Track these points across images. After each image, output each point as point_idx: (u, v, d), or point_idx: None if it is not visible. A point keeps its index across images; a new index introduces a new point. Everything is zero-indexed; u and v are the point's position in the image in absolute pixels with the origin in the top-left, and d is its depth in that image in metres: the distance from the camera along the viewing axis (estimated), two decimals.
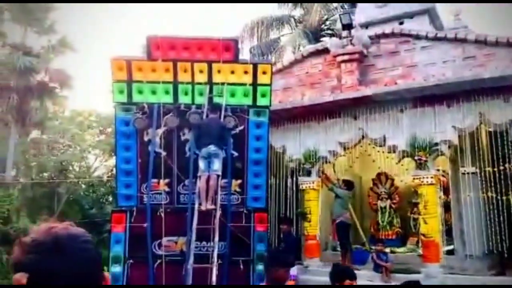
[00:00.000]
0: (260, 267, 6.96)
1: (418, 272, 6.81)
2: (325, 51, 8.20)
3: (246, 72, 6.91)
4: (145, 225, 6.85)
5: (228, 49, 6.81)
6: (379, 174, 10.92)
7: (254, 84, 6.93)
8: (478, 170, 7.18)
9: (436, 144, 6.82)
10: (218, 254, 6.87)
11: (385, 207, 10.94)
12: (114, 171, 34.23)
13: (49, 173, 27.28)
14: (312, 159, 7.90)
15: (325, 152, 7.86)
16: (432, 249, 6.75)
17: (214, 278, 5.82)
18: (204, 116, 6.62)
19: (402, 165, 7.56)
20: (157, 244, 6.92)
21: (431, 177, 6.89)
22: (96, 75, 52.00)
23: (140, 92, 6.91)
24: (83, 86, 42.79)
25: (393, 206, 10.80)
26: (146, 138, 7.01)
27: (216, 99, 6.86)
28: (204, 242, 6.98)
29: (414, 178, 7.09)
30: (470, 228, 7.27)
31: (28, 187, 24.45)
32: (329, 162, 8.03)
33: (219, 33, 17.25)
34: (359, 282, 6.95)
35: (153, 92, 6.92)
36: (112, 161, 35.31)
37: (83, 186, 30.20)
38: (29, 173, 24.93)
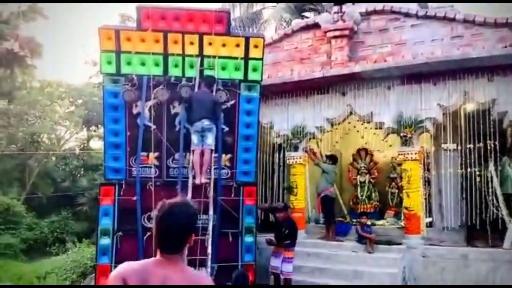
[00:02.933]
0: (248, 239, 7.17)
1: (400, 243, 7.16)
2: (315, 26, 8.23)
3: (237, 46, 6.88)
4: (134, 198, 6.87)
5: (220, 21, 6.74)
6: (359, 150, 11.26)
7: (246, 58, 6.92)
8: (459, 147, 7.49)
9: (421, 121, 7.06)
10: (204, 227, 7.03)
11: (364, 182, 11.34)
12: (86, 144, 33.46)
13: (19, 145, 26.54)
14: (300, 135, 8.02)
15: (313, 128, 7.99)
16: (414, 221, 7.09)
17: (209, 250, 5.93)
18: (196, 89, 6.58)
19: (386, 141, 7.79)
20: (146, 217, 6.97)
21: (415, 153, 7.16)
22: (66, 44, 50.08)
23: (129, 63, 6.78)
24: (52, 55, 41.10)
25: (371, 181, 11.21)
26: (135, 111, 6.94)
27: (207, 72, 6.81)
28: None
29: (399, 154, 7.35)
30: (448, 202, 7.64)
31: None
32: (316, 138, 8.18)
33: (200, 5, 16.98)
34: (344, 252, 7.31)
35: (142, 64, 6.81)
36: (84, 134, 34.68)
37: (54, 159, 29.60)
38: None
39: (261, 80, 7.03)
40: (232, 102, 6.98)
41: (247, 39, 6.87)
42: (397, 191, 10.91)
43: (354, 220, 8.45)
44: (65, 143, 33.59)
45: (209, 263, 5.95)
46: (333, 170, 8.25)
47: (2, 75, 19.95)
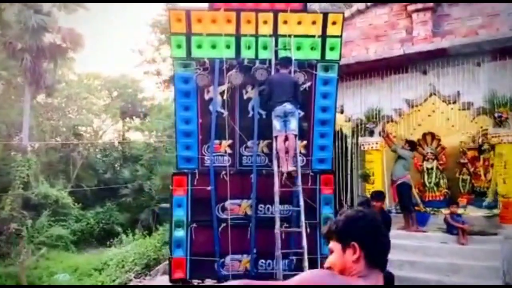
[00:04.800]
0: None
1: (494, 234, 6.68)
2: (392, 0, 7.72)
3: (314, 23, 6.50)
4: (209, 188, 6.68)
5: None
6: (424, 135, 10.69)
7: (323, 36, 6.53)
8: None
9: None
10: (284, 217, 6.77)
11: (431, 168, 10.78)
12: (123, 135, 33.94)
13: (62, 137, 27.17)
14: (375, 118, 7.59)
15: (390, 110, 7.54)
16: (510, 209, 6.57)
17: (304, 243, 5.65)
18: (273, 72, 6.26)
19: (476, 123, 7.26)
20: (220, 207, 6.79)
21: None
22: (101, 36, 50.84)
23: (200, 46, 6.53)
24: (91, 46, 41.65)
25: (439, 167, 10.66)
26: (207, 97, 6.70)
27: (282, 53, 6.48)
28: (268, 205, 6.86)
29: (492, 136, 6.82)
30: None
31: (43, 151, 24.38)
32: (394, 121, 7.73)
33: None
34: (432, 244, 6.89)
35: (213, 46, 6.54)
36: (120, 126, 35.21)
37: (94, 150, 30.25)
38: (43, 138, 24.77)
39: (340, 60, 6.63)
40: (308, 84, 6.63)
41: (325, 16, 6.47)
42: (468, 177, 10.39)
43: (437, 209, 7.98)
44: (104, 135, 34.30)
45: (305, 256, 5.67)
46: (410, 156, 7.79)
47: (45, 68, 20.23)
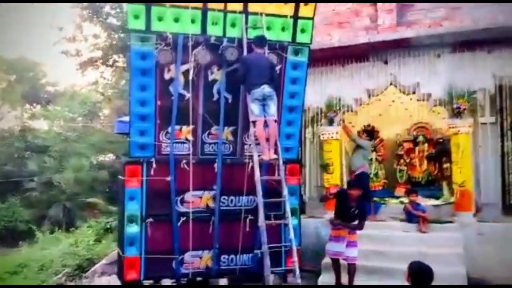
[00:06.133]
0: (292, 221, 6.60)
1: (450, 222, 6.96)
2: None
3: (286, 2, 6.14)
4: (168, 178, 6.05)
5: None
6: (365, 126, 11.01)
7: (295, 17, 6.21)
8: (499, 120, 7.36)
9: (475, 92, 6.80)
10: (248, 209, 6.41)
11: (370, 159, 11.18)
12: (25, 123, 30.92)
13: None
14: (336, 107, 7.50)
15: (350, 99, 7.49)
16: (466, 198, 6.90)
17: (292, 234, 5.32)
18: (245, 51, 5.79)
19: (437, 112, 7.48)
20: (179, 200, 6.20)
21: (468, 126, 6.92)
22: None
23: (160, 18, 5.81)
24: None
25: (378, 158, 11.05)
26: (167, 76, 6.01)
27: (252, 32, 6.03)
28: (232, 197, 6.43)
29: (450, 127, 7.07)
30: (486, 177, 7.51)
31: None
32: (353, 111, 7.71)
33: None
34: (396, 233, 7.00)
35: (176, 20, 5.87)
36: (19, 112, 31.93)
37: None
38: None
39: (311, 43, 6.37)
40: (279, 67, 6.27)
41: None
42: (405, 168, 10.92)
43: (400, 198, 8.14)
44: (1, 122, 30.91)
45: (294, 247, 5.34)
46: (369, 146, 7.85)
47: None
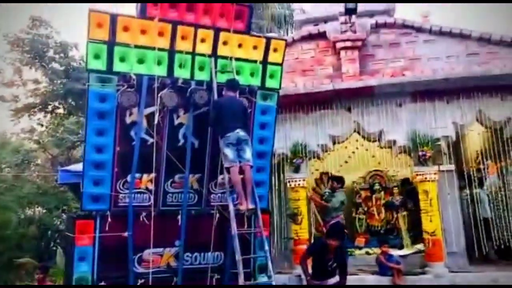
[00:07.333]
0: (261, 279, 6.10)
1: (422, 273, 6.81)
2: (319, 36, 7.75)
3: (255, 48, 6.03)
4: (125, 234, 5.42)
5: (241, 16, 5.85)
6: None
7: (264, 63, 6.09)
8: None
9: (438, 139, 6.95)
10: (214, 267, 5.90)
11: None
12: None
13: None
14: (301, 153, 7.34)
15: (315, 146, 7.38)
16: (437, 247, 6.83)
17: None
18: (215, 95, 5.51)
19: (399, 159, 7.53)
20: (137, 259, 5.56)
21: (434, 173, 6.99)
22: None
23: (123, 59, 5.43)
24: None
25: None
26: (129, 120, 5.55)
27: (219, 76, 5.80)
28: (196, 254, 5.88)
29: (416, 174, 7.10)
30: (450, 225, 7.55)
31: None
32: (319, 158, 7.58)
33: None
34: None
35: (141, 61, 5.52)
36: None
37: None
38: None
39: (280, 89, 6.24)
40: (249, 111, 6.04)
41: (268, 41, 6.07)
42: (364, 216, 10.84)
43: (362, 248, 7.91)
44: None
45: None
46: (342, 198, 7.66)
47: None
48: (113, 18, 5.26)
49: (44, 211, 22.73)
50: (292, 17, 15.36)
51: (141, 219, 5.57)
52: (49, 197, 19.88)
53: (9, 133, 26.21)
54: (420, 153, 6.91)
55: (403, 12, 9.31)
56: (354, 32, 7.37)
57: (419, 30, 7.53)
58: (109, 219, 5.43)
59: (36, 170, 23.73)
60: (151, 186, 5.72)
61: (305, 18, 8.69)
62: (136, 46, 5.42)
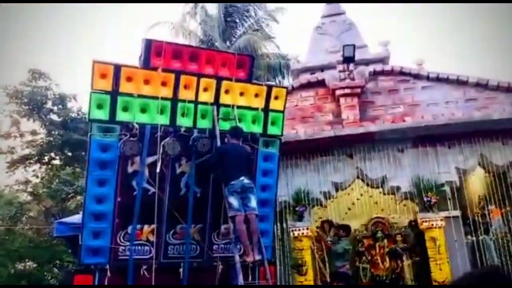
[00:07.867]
0: None
1: None
2: (317, 83, 7.88)
3: (257, 95, 6.11)
4: None
5: (242, 65, 5.96)
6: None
7: (266, 110, 6.14)
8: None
9: (442, 185, 6.89)
10: None
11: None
12: None
13: None
14: (304, 201, 7.22)
15: (318, 193, 7.28)
16: None
17: None
18: (219, 143, 5.48)
19: (404, 205, 7.42)
20: None
21: (441, 220, 6.87)
22: None
23: (125, 109, 5.44)
24: None
25: None
26: (130, 169, 5.48)
27: (223, 124, 5.82)
28: None
29: (422, 221, 6.97)
30: (459, 273, 7.33)
31: None
32: (323, 206, 7.47)
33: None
34: None
35: (143, 110, 5.53)
36: None
37: None
38: None
39: (282, 135, 6.25)
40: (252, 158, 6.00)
41: (269, 89, 6.16)
42: (368, 266, 10.55)
43: None
44: None
45: None
46: (348, 244, 7.50)
47: None
48: (117, 68, 5.34)
49: (35, 265, 22.02)
50: (287, 67, 15.76)
51: (141, 272, 5.37)
52: (42, 250, 19.33)
53: (2, 185, 25.87)
54: (425, 199, 6.82)
55: (397, 60, 9.51)
56: (353, 79, 7.51)
57: (417, 77, 7.68)
58: (109, 273, 5.24)
59: (29, 223, 23.20)
60: (152, 238, 5.58)
61: (301, 67, 8.87)
62: (139, 96, 5.48)
